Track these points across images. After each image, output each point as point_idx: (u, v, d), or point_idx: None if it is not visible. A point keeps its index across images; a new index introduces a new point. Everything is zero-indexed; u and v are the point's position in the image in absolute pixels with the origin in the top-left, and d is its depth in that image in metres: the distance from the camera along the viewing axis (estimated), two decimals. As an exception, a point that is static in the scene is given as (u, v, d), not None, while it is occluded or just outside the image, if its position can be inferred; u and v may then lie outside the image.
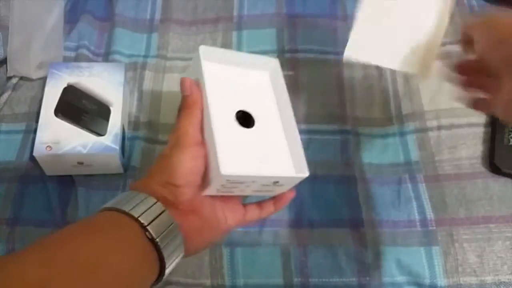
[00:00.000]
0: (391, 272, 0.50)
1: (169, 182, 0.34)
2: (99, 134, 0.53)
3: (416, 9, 0.45)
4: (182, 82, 0.39)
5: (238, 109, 0.41)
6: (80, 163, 0.54)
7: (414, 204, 0.54)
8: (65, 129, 0.53)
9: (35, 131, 0.56)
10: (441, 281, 0.49)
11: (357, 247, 0.51)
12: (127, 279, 0.29)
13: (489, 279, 0.49)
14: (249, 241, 0.52)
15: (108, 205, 0.33)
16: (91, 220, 0.32)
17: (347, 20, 0.69)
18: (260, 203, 0.42)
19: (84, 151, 0.52)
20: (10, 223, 0.54)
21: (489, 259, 0.50)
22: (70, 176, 0.56)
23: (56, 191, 0.55)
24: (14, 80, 0.64)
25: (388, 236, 0.52)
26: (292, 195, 0.42)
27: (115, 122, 0.55)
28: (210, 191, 0.37)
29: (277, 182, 0.38)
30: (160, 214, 0.32)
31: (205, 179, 0.36)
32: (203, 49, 0.41)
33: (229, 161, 0.35)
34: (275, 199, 0.42)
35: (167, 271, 0.33)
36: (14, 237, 0.53)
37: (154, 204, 0.33)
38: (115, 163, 0.54)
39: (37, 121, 0.55)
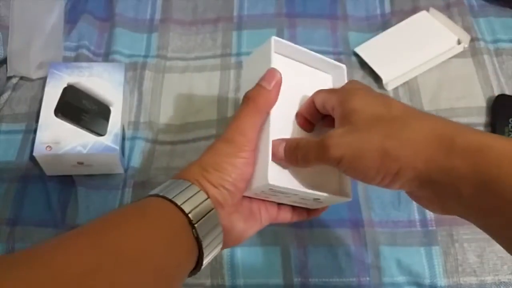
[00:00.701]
0: (391, 272, 0.50)
1: (221, 185, 0.33)
2: (99, 134, 0.53)
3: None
4: (271, 73, 0.35)
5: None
6: (80, 163, 0.54)
7: (414, 204, 0.54)
8: (65, 129, 0.53)
9: (35, 131, 0.56)
10: (441, 281, 0.49)
11: (357, 247, 0.51)
12: (170, 272, 0.29)
13: (489, 279, 0.49)
14: (249, 241, 0.52)
15: (158, 191, 0.32)
16: (138, 207, 0.32)
17: (347, 20, 0.69)
18: (294, 208, 0.41)
19: (84, 151, 0.52)
20: (10, 223, 0.54)
21: (489, 259, 0.50)
22: (70, 176, 0.56)
23: (56, 191, 0.55)
24: (14, 80, 0.64)
25: (388, 236, 0.52)
26: (326, 209, 0.41)
27: (115, 122, 0.55)
28: (249, 193, 0.36)
29: (318, 199, 0.37)
30: (208, 213, 0.32)
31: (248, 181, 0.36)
32: (274, 40, 0.38)
33: (277, 170, 0.34)
34: (309, 210, 0.41)
35: (205, 261, 0.32)
36: (14, 237, 0.53)
37: (205, 200, 0.32)
38: (115, 163, 0.54)
39: (37, 121, 0.55)
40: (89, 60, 0.65)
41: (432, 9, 0.67)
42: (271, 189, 0.34)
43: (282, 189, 0.34)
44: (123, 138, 0.57)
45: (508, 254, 0.50)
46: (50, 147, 0.52)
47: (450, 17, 0.67)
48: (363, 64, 0.64)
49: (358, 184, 0.55)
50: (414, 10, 0.68)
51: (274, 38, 0.38)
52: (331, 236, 0.52)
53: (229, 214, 0.35)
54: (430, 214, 0.53)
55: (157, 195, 0.32)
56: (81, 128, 0.53)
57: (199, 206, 0.32)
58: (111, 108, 0.56)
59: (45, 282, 0.22)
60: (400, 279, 0.50)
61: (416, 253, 0.51)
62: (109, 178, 0.56)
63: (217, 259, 0.51)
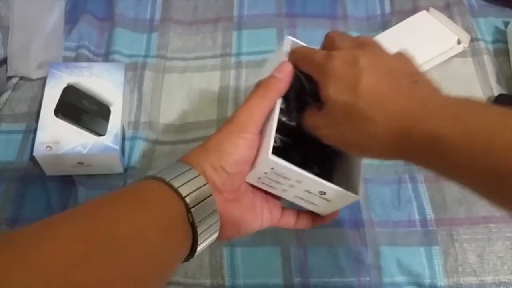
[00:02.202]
0: (391, 272, 0.50)
1: (221, 166, 0.33)
2: (99, 134, 0.53)
3: None
4: (283, 64, 0.36)
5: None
6: (80, 163, 0.54)
7: (414, 204, 0.54)
8: (65, 129, 0.53)
9: (35, 131, 0.56)
10: (441, 281, 0.49)
11: (357, 247, 0.51)
12: (162, 259, 0.28)
13: (489, 279, 0.49)
14: (249, 241, 0.52)
15: (155, 173, 0.32)
16: (133, 190, 0.31)
17: (347, 20, 0.69)
18: (299, 212, 0.40)
19: (84, 151, 0.52)
20: (10, 223, 0.54)
21: (489, 259, 0.50)
22: (70, 176, 0.56)
23: (56, 191, 0.55)
24: (14, 80, 0.64)
25: (388, 236, 0.52)
26: (335, 215, 0.40)
27: (115, 122, 0.55)
28: (252, 177, 0.35)
29: (323, 193, 0.35)
30: (205, 199, 0.31)
31: (251, 165, 0.35)
32: (290, 40, 0.38)
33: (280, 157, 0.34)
34: (314, 217, 0.40)
35: (199, 248, 0.32)
36: (14, 237, 0.53)
37: (203, 185, 0.32)
38: (115, 163, 0.54)
39: (37, 121, 0.55)
40: (89, 60, 0.65)
41: (432, 9, 0.67)
42: (273, 169, 0.33)
43: (284, 168, 0.33)
44: (123, 138, 0.57)
45: (508, 254, 0.50)
46: (50, 147, 0.52)
47: (450, 17, 0.67)
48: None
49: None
50: (414, 10, 0.68)
51: (289, 38, 0.39)
52: (331, 236, 0.52)
53: (227, 201, 0.34)
54: (430, 214, 0.53)
55: (154, 177, 0.31)
56: (81, 128, 0.53)
57: (197, 190, 0.31)
58: (111, 108, 0.56)
59: (28, 272, 0.21)
60: (400, 279, 0.50)
61: (416, 253, 0.51)
62: (109, 178, 0.56)
63: (217, 259, 0.51)
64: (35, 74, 0.63)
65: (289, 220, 0.40)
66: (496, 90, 0.61)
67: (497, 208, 0.29)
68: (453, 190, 0.54)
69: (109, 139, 0.53)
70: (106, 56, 0.66)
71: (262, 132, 0.35)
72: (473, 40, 0.65)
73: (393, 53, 0.35)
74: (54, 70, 0.57)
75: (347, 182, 0.37)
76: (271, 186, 0.37)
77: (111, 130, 0.54)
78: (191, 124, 0.61)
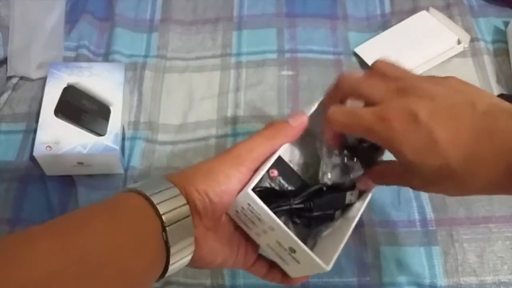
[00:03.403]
0: (391, 272, 0.50)
1: (206, 192, 0.32)
2: (99, 134, 0.53)
3: None
4: (299, 115, 0.35)
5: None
6: (80, 163, 0.54)
7: (414, 204, 0.54)
8: (65, 129, 0.53)
9: (35, 131, 0.56)
10: (441, 281, 0.49)
11: (357, 247, 0.51)
12: (136, 277, 0.28)
13: (489, 279, 0.49)
14: (249, 241, 0.52)
15: (137, 186, 0.31)
16: (111, 203, 0.30)
17: (347, 20, 0.69)
18: (271, 265, 0.38)
19: (84, 151, 0.52)
20: (10, 223, 0.54)
21: (489, 259, 0.50)
22: (70, 176, 0.56)
23: (56, 191, 0.55)
24: (14, 80, 0.64)
25: (388, 236, 0.52)
26: (303, 279, 0.39)
27: (115, 122, 0.55)
28: (231, 208, 0.35)
29: (293, 251, 0.34)
30: (183, 219, 0.31)
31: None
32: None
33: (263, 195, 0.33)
34: (284, 274, 0.38)
35: (167, 275, 0.31)
36: (14, 237, 0.53)
37: (182, 205, 0.31)
38: (115, 163, 0.54)
39: (37, 121, 0.55)
40: (89, 60, 0.65)
41: (432, 9, 0.67)
42: (250, 206, 0.32)
43: (259, 208, 0.32)
44: (123, 138, 0.57)
45: (508, 254, 0.50)
46: (50, 147, 0.52)
47: (450, 17, 0.67)
48: (363, 64, 0.64)
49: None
50: (414, 10, 0.68)
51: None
52: (331, 236, 0.52)
53: (205, 228, 0.33)
54: (430, 214, 0.53)
55: (135, 190, 0.31)
56: (81, 128, 0.53)
57: (175, 210, 0.30)
58: (111, 108, 0.56)
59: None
60: (400, 279, 0.50)
61: (416, 253, 0.51)
62: (109, 178, 0.56)
63: (217, 259, 0.51)
64: (35, 74, 0.63)
65: (260, 270, 0.38)
66: (496, 90, 0.61)
67: None
68: (453, 190, 0.54)
69: (109, 139, 0.53)
70: (106, 56, 0.66)
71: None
72: (473, 40, 0.65)
73: (433, 82, 0.33)
74: (54, 70, 0.57)
75: (324, 250, 0.36)
76: (247, 226, 0.35)
77: (111, 130, 0.54)
78: (191, 124, 0.61)
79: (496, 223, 0.52)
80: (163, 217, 0.30)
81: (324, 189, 0.37)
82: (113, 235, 0.28)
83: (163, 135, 0.60)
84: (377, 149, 0.36)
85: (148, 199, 0.30)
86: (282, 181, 0.37)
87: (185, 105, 0.62)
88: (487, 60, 0.63)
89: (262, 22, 0.69)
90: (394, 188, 0.55)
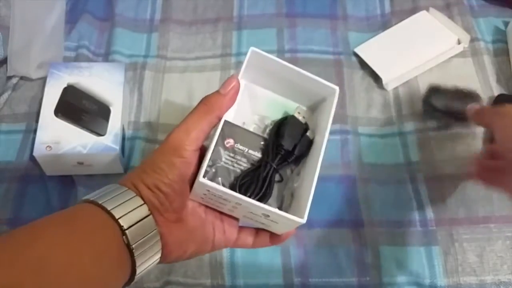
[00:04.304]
0: (391, 272, 0.50)
1: (157, 187, 0.32)
2: (99, 134, 0.53)
3: None
4: (229, 80, 0.35)
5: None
6: (80, 163, 0.54)
7: (414, 204, 0.54)
8: (65, 129, 0.53)
9: (35, 131, 0.56)
10: (441, 281, 0.49)
11: (357, 247, 0.51)
12: (99, 283, 0.28)
13: (489, 279, 0.49)
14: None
15: (91, 197, 0.31)
16: (67, 214, 0.30)
17: (347, 20, 0.69)
18: (258, 231, 0.38)
19: (84, 151, 0.52)
20: (10, 223, 0.54)
21: (489, 259, 0.50)
22: (70, 176, 0.56)
23: (56, 191, 0.55)
24: (14, 80, 0.64)
25: (388, 236, 0.52)
26: (291, 233, 0.38)
27: (115, 122, 0.55)
28: (194, 195, 0.35)
29: (267, 216, 0.34)
30: (142, 219, 0.30)
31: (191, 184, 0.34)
32: (252, 52, 0.37)
33: (219, 174, 0.33)
34: (272, 234, 0.38)
35: (137, 276, 0.31)
36: (14, 237, 0.53)
37: (139, 206, 0.31)
38: (115, 163, 0.54)
39: (37, 121, 0.55)
40: (89, 60, 0.65)
41: (432, 9, 0.67)
42: (209, 191, 0.33)
43: (216, 191, 0.32)
44: (123, 138, 0.57)
45: (508, 254, 0.50)
46: (50, 147, 0.52)
47: (450, 17, 0.67)
48: (363, 64, 0.64)
49: (358, 184, 0.55)
50: (414, 10, 0.68)
51: (252, 49, 0.37)
52: (331, 236, 0.52)
53: (169, 221, 0.33)
54: (430, 214, 0.53)
55: (88, 200, 0.31)
56: (81, 128, 0.53)
57: (132, 211, 0.30)
58: (111, 108, 0.56)
59: None
60: (400, 279, 0.50)
61: (416, 253, 0.51)
62: (109, 178, 0.56)
63: (217, 259, 0.51)
64: (35, 74, 0.63)
65: (246, 240, 0.38)
66: (496, 90, 0.61)
67: None
68: (453, 190, 0.54)
69: (109, 139, 0.53)
70: (106, 56, 0.66)
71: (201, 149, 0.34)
72: (473, 40, 0.65)
73: None
74: (54, 70, 0.57)
75: (299, 200, 0.36)
76: (218, 206, 0.36)
77: (111, 130, 0.54)
78: (191, 124, 0.61)
79: (496, 223, 0.52)
80: (120, 221, 0.29)
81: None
82: (72, 243, 0.27)
83: (163, 135, 0.60)
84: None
85: (101, 206, 0.30)
86: (241, 147, 0.37)
87: (185, 105, 0.62)
88: (487, 60, 0.63)
89: (262, 22, 0.69)
90: (394, 188, 0.55)
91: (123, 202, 0.30)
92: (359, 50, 0.65)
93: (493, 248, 0.51)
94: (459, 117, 0.54)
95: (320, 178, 0.57)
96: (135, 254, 0.30)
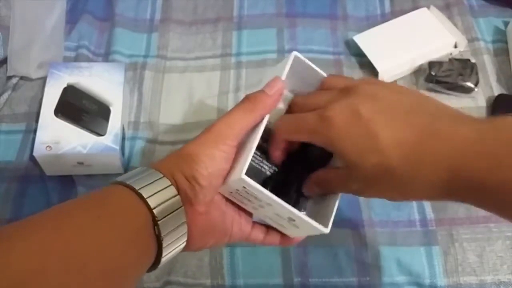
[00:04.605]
0: (391, 272, 0.50)
1: (195, 178, 0.31)
2: (99, 134, 0.53)
3: None
4: (274, 81, 0.35)
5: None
6: (80, 163, 0.54)
7: (414, 204, 0.54)
8: (65, 129, 0.53)
9: (35, 131, 0.56)
10: (441, 281, 0.49)
11: (357, 247, 0.51)
12: (122, 272, 0.27)
13: (489, 278, 0.49)
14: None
15: (125, 179, 0.30)
16: (97, 198, 0.30)
17: (347, 20, 0.69)
18: (268, 229, 0.39)
19: (84, 151, 0.52)
20: (10, 223, 0.54)
21: (489, 259, 0.50)
22: (70, 176, 0.56)
23: (56, 191, 0.55)
24: (14, 80, 0.64)
25: (388, 236, 0.52)
26: (303, 237, 0.39)
27: (115, 122, 0.55)
28: (225, 190, 0.35)
29: (293, 220, 0.34)
30: (174, 211, 0.30)
31: (225, 179, 0.34)
32: (295, 57, 0.36)
33: (258, 174, 0.33)
34: (282, 235, 0.39)
35: (163, 259, 0.31)
36: (14, 237, 0.53)
37: (173, 197, 0.30)
38: (115, 163, 0.54)
39: (37, 121, 0.55)
40: (89, 60, 0.65)
41: (432, 7, 0.67)
42: (245, 188, 0.32)
43: (255, 190, 0.32)
44: (123, 138, 0.57)
45: (508, 254, 0.50)
46: (50, 147, 0.52)
47: (450, 17, 0.67)
48: (363, 64, 0.64)
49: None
50: (414, 10, 0.68)
51: (295, 54, 0.36)
52: (331, 236, 0.52)
53: (197, 213, 0.33)
54: (430, 214, 0.53)
55: (123, 183, 0.30)
56: (81, 128, 0.53)
57: (166, 202, 0.30)
58: (111, 108, 0.56)
59: None
60: (400, 279, 0.50)
61: (416, 253, 0.51)
62: (109, 178, 0.55)
63: (217, 259, 0.51)
64: (35, 74, 0.63)
65: (258, 236, 0.38)
66: (496, 90, 0.61)
67: None
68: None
69: (109, 139, 0.53)
70: (106, 56, 0.66)
71: (241, 147, 0.34)
72: (473, 40, 0.65)
73: (378, 85, 0.33)
74: (54, 70, 0.57)
75: (320, 211, 0.36)
76: (242, 202, 0.36)
77: (111, 130, 0.54)
78: (191, 124, 0.61)
79: (496, 223, 0.52)
80: (154, 211, 0.29)
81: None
82: (100, 230, 0.27)
83: (163, 135, 0.60)
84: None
85: (137, 192, 0.29)
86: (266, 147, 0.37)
87: (185, 105, 0.62)
88: (487, 60, 0.63)
89: (262, 22, 0.69)
90: (394, 188, 0.55)
91: (159, 191, 0.30)
92: (357, 38, 0.65)
93: (493, 248, 0.51)
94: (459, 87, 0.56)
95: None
96: (163, 245, 0.30)
